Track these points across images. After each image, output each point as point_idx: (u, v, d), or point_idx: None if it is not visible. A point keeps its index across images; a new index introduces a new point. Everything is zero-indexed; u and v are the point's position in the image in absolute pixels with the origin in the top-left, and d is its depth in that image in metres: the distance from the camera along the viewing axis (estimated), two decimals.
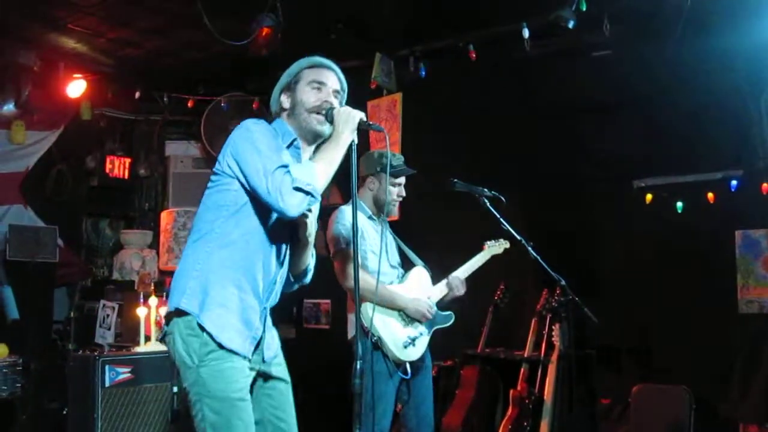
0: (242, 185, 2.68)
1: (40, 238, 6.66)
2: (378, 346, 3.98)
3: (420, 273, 4.34)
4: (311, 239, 2.93)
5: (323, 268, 4.12)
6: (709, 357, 5.32)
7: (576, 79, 5.58)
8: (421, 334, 4.17)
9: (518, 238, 4.11)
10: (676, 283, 5.49)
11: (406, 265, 4.36)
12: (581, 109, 5.62)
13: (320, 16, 5.59)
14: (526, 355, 5.36)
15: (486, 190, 4.12)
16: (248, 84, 7.22)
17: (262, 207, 2.66)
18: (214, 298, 2.62)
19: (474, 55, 5.60)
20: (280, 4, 5.18)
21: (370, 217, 4.27)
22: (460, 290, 4.33)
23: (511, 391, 5.29)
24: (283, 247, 2.85)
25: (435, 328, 4.29)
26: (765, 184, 5.28)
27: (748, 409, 5.22)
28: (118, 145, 7.83)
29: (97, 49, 6.40)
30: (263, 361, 2.78)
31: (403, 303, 4.12)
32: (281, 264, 2.85)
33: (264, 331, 2.77)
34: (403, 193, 4.34)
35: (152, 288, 6.39)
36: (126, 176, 7.83)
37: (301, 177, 2.57)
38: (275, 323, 2.92)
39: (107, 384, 5.76)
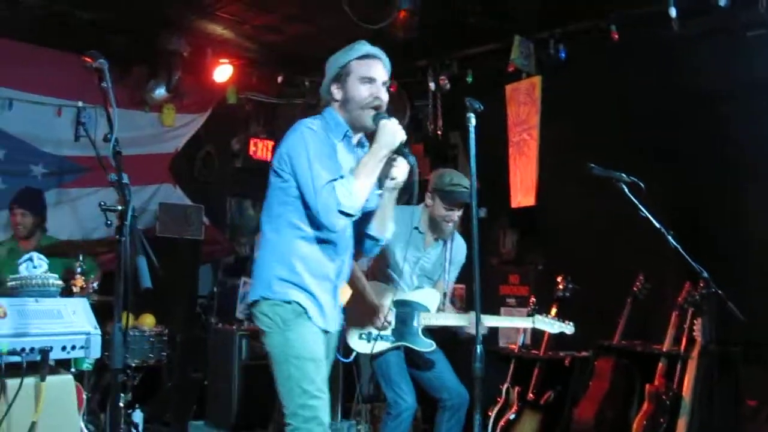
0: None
1: (187, 216, 6.98)
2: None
3: (428, 293, 4.43)
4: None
5: None
6: None
7: (726, 60, 5.27)
8: (383, 339, 4.27)
9: (658, 226, 3.95)
10: None
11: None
12: (730, 91, 5.30)
13: None
14: (664, 350, 5.15)
15: (624, 175, 3.97)
16: None
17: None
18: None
19: (616, 36, 5.41)
20: None
21: (415, 228, 4.37)
22: (472, 331, 4.30)
23: (648, 386, 5.09)
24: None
25: (403, 344, 4.33)
26: None
27: None
28: (262, 128, 8.12)
29: (243, 35, 6.62)
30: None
31: (370, 303, 4.23)
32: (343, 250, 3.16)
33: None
34: (455, 219, 4.34)
35: None
36: (269, 158, 8.05)
37: (345, 201, 2.82)
38: None
39: (245, 358, 6.03)
